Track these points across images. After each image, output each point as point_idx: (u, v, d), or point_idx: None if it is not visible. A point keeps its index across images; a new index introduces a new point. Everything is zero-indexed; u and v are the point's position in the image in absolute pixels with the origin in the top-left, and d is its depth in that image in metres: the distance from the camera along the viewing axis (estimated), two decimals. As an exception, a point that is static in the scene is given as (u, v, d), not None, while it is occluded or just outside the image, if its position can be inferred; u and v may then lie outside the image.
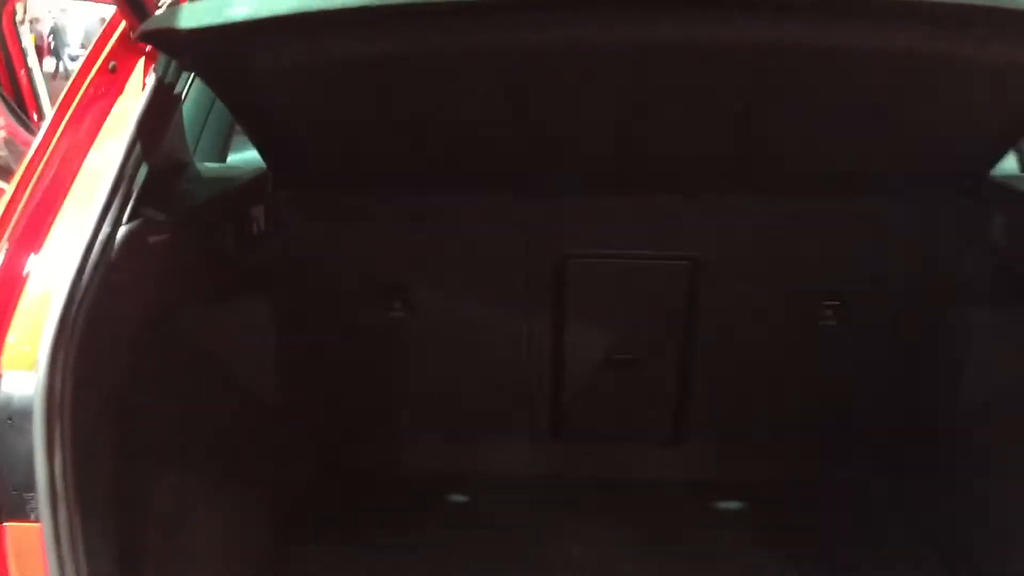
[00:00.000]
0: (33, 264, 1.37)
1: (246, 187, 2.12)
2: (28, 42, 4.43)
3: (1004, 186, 2.03)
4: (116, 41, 1.62)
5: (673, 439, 2.49)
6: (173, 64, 1.61)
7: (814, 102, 1.81)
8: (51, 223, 1.42)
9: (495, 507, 2.42)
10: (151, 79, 1.60)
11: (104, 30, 1.63)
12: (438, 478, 2.51)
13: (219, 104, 2.16)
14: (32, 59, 4.35)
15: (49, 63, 12.25)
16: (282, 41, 1.58)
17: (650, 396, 2.47)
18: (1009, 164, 2.36)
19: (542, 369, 2.44)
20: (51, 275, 1.36)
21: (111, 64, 1.60)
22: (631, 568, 2.17)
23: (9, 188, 1.49)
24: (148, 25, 1.55)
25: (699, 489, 2.44)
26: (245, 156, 2.37)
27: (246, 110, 2.01)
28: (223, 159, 2.37)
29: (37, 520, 1.24)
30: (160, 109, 1.62)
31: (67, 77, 1.95)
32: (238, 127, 2.30)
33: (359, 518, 2.41)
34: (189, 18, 1.47)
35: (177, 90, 1.69)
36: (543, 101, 1.86)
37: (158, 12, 1.55)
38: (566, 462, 2.54)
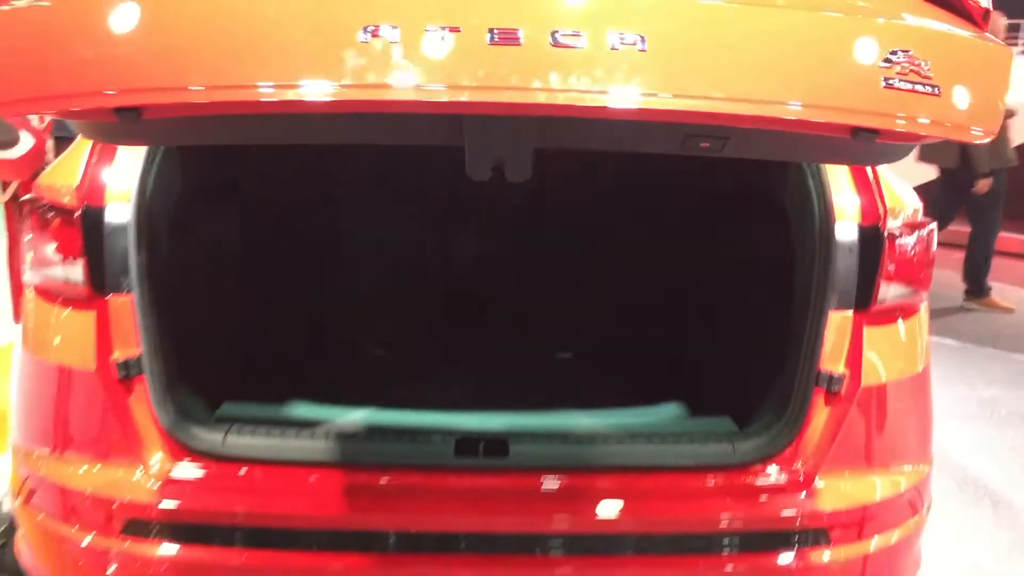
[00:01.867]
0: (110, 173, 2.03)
1: None
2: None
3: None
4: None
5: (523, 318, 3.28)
6: None
7: None
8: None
9: (404, 356, 3.06)
10: None
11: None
12: (364, 341, 3.12)
13: None
14: None
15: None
16: None
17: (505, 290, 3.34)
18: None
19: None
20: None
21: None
22: (499, 391, 2.68)
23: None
24: None
25: (543, 347, 3.19)
26: None
27: None
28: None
29: (130, 291, 1.94)
30: None
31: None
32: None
33: (306, 366, 2.88)
34: None
35: None
36: None
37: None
38: (457, 336, 3.22)
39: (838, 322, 1.99)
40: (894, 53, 1.43)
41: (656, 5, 1.39)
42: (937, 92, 1.46)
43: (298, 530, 1.86)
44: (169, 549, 1.84)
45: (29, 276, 2.02)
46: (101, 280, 1.93)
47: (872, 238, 1.97)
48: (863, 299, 1.98)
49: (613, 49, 1.32)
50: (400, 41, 1.26)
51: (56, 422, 1.95)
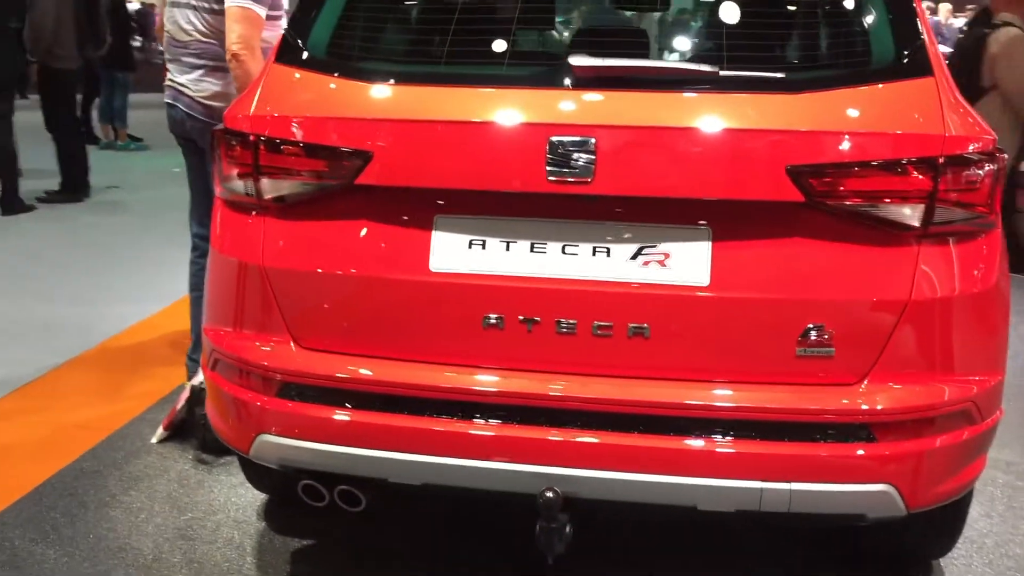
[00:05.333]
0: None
1: None
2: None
3: None
4: None
5: None
6: None
7: None
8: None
9: None
10: None
11: None
12: None
13: None
14: None
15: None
16: None
17: None
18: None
19: None
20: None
21: None
22: None
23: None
24: None
25: None
26: None
27: None
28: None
29: None
30: None
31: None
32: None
33: None
34: None
35: None
36: None
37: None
38: None
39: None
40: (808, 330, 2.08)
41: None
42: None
43: (410, 397, 2.24)
44: (311, 410, 2.27)
45: (218, 191, 2.50)
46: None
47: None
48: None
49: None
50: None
51: (235, 306, 2.42)
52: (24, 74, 8.43)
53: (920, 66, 2.18)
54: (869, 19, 2.29)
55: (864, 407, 2.09)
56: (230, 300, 2.43)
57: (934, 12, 17.89)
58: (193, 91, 3.65)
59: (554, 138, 2.09)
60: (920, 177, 2.06)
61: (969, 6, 19.53)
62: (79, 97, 10.24)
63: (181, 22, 3.65)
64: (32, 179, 8.46)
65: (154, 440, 3.53)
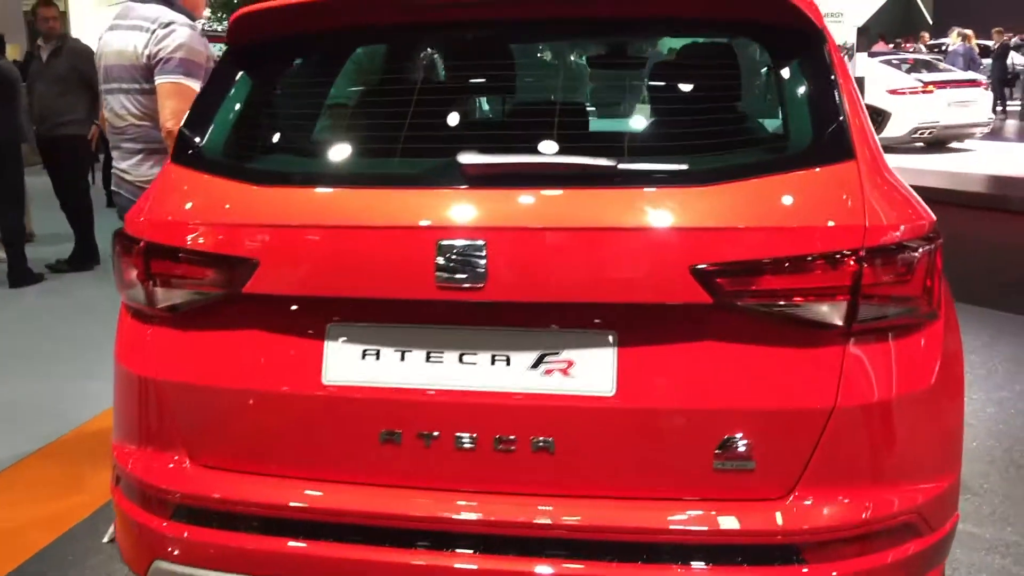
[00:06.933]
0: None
1: None
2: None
3: None
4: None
5: None
6: None
7: None
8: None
9: None
10: None
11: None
12: None
13: None
14: None
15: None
16: None
17: None
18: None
19: None
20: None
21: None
22: None
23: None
24: None
25: None
26: None
27: None
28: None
29: None
30: None
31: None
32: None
33: None
34: None
35: None
36: None
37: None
38: None
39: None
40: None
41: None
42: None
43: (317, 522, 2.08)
44: (203, 534, 2.12)
45: (121, 297, 2.38)
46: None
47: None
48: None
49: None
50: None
51: (132, 420, 2.29)
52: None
53: (840, 149, 2.00)
54: (782, 101, 2.13)
55: (790, 525, 1.90)
56: (130, 414, 2.31)
57: (966, 39, 17.58)
58: (134, 176, 3.60)
59: (443, 242, 1.94)
60: (838, 272, 1.88)
61: (995, 28, 19.32)
62: (97, 160, 10.32)
63: (116, 107, 3.60)
64: (45, 245, 8.52)
65: (105, 540, 3.41)
